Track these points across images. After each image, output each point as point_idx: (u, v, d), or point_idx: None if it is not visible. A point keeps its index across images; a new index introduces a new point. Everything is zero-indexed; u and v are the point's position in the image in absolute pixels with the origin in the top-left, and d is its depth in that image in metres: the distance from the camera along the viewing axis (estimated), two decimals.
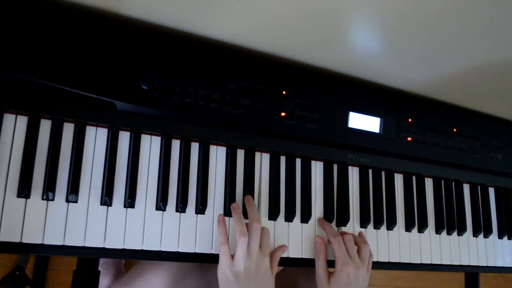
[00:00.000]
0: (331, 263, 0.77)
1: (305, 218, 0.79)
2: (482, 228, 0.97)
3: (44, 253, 0.62)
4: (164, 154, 0.70)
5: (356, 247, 0.77)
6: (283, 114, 0.77)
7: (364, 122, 0.85)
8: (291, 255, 0.77)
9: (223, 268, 0.67)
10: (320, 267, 0.76)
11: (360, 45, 0.74)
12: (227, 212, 0.73)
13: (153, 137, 0.71)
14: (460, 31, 0.68)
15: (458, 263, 0.93)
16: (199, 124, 0.72)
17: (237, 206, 0.72)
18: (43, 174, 0.62)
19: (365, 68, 0.83)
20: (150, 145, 0.70)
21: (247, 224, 0.70)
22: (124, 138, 0.68)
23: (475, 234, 0.97)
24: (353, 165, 0.86)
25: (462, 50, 0.73)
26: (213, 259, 0.70)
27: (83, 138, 0.65)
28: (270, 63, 0.80)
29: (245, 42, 0.74)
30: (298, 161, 0.81)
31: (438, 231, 0.92)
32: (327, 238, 0.78)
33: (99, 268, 0.69)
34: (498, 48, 0.72)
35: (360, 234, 0.82)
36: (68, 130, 0.65)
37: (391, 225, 0.87)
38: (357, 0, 0.61)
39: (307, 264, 0.78)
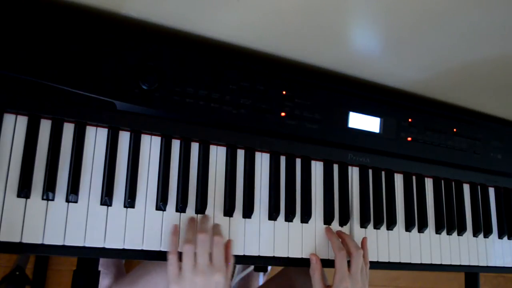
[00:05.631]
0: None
1: (305, 218, 0.79)
2: (482, 228, 0.97)
3: (44, 253, 0.62)
4: (164, 154, 0.70)
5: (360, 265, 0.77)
6: (283, 114, 0.77)
7: (364, 122, 0.85)
8: (291, 255, 0.77)
9: (169, 279, 0.65)
10: (317, 284, 0.76)
11: (360, 45, 0.74)
12: (227, 213, 0.73)
13: (153, 137, 0.70)
14: (460, 30, 0.68)
15: (458, 263, 0.93)
16: (199, 124, 0.72)
17: (192, 218, 0.70)
18: (43, 174, 0.62)
19: (365, 68, 0.83)
20: (150, 145, 0.70)
21: None
22: (124, 138, 0.68)
23: (475, 234, 0.97)
24: (353, 165, 0.86)
25: (462, 49, 0.73)
26: None
27: (83, 138, 0.65)
28: (270, 63, 0.80)
29: (245, 42, 0.74)
30: (298, 161, 0.81)
31: (438, 231, 0.92)
32: (328, 243, 0.80)
33: (99, 268, 0.69)
34: (498, 48, 0.72)
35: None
36: (68, 130, 0.65)
37: (391, 225, 0.87)
38: (357, 0, 0.61)
39: (307, 264, 0.78)
